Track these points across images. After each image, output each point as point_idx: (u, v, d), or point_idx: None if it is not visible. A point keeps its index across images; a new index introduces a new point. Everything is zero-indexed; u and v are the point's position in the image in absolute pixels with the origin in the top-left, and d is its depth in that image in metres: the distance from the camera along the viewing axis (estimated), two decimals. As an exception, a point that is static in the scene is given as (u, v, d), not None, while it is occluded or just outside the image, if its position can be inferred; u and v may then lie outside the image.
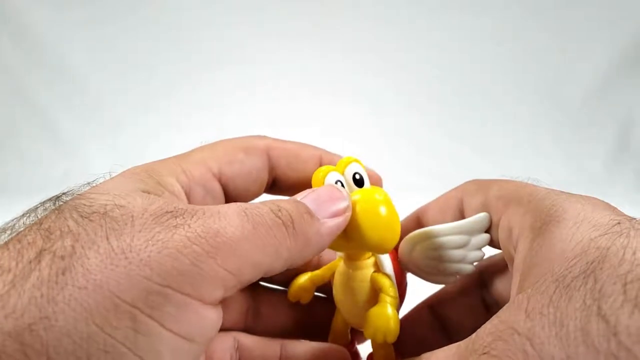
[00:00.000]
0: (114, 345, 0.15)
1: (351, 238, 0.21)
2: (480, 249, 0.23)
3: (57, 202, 0.18)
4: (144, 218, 0.17)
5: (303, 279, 0.27)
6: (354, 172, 0.23)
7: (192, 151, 0.23)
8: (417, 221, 0.26)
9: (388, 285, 0.23)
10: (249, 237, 0.18)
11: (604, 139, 0.78)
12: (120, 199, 0.17)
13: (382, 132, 0.75)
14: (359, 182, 0.23)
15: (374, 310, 0.22)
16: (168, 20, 0.79)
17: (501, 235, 0.23)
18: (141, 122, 0.73)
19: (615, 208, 0.21)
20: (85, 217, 0.17)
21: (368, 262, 0.24)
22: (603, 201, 0.21)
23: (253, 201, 0.25)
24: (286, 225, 0.19)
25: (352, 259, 0.24)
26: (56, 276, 0.15)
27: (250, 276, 0.18)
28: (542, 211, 0.21)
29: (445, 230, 0.23)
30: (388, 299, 0.23)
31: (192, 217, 0.17)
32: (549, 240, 0.20)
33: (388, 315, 0.22)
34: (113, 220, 0.17)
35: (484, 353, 0.18)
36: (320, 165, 0.25)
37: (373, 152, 0.70)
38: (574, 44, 0.77)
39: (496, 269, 0.26)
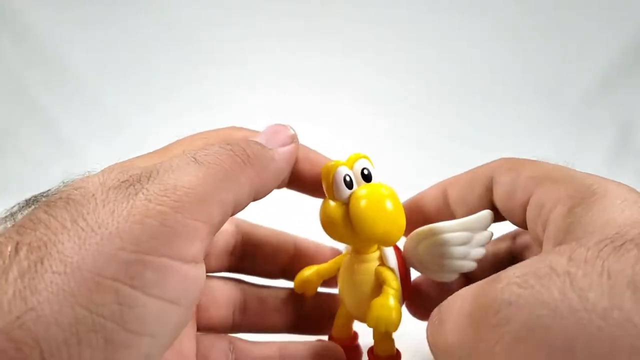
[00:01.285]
0: (102, 323, 0.15)
1: (358, 230, 0.22)
2: (482, 246, 0.24)
3: (30, 200, 0.18)
4: (103, 193, 0.17)
5: (309, 272, 0.27)
6: (362, 167, 0.23)
7: (171, 145, 0.23)
8: (443, 194, 0.26)
9: (391, 278, 0.24)
10: (207, 178, 0.18)
11: (604, 139, 0.78)
12: (80, 183, 0.18)
13: (382, 132, 0.75)
14: (367, 178, 0.23)
15: (377, 301, 0.23)
16: (168, 20, 0.79)
17: (530, 214, 0.22)
18: (141, 122, 0.73)
19: None
20: (52, 205, 0.17)
21: (373, 255, 0.25)
22: (633, 188, 0.20)
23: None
24: (239, 155, 0.20)
25: (358, 252, 0.25)
26: (35, 266, 0.15)
27: (220, 217, 0.18)
28: (581, 187, 0.20)
29: (450, 227, 0.24)
30: (391, 291, 0.23)
31: (148, 179, 0.17)
32: (595, 210, 0.19)
33: (390, 306, 0.23)
34: (76, 202, 0.17)
35: (516, 284, 0.16)
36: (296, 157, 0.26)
37: (373, 151, 0.70)
38: (574, 45, 0.77)
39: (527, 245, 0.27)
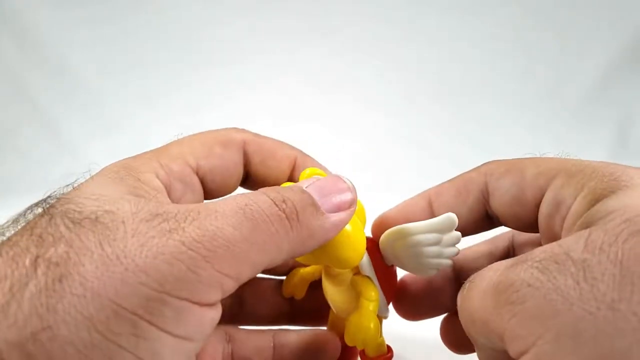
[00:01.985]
0: (117, 351, 0.15)
1: (314, 254, 0.21)
2: (453, 245, 0.24)
3: (45, 206, 0.18)
4: (134, 223, 0.17)
5: (296, 277, 0.27)
6: None
7: (169, 145, 0.22)
8: (428, 205, 0.25)
9: (368, 289, 0.23)
10: (248, 237, 0.17)
11: (604, 137, 0.78)
12: (108, 205, 0.17)
13: (382, 131, 0.75)
14: None
15: (353, 319, 0.22)
16: (169, 20, 0.79)
17: (545, 212, 0.21)
18: (141, 122, 0.73)
19: None
20: (77, 223, 0.16)
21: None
22: None
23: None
24: (290, 219, 0.18)
25: (329, 272, 0.24)
26: (53, 284, 0.15)
27: (249, 275, 0.18)
28: (603, 177, 0.19)
29: (417, 229, 0.23)
30: (368, 304, 0.23)
31: (186, 219, 0.17)
32: (620, 198, 0.18)
33: (366, 325, 0.22)
34: (104, 226, 0.16)
35: (535, 268, 0.17)
36: (294, 166, 0.25)
37: (374, 150, 0.70)
38: (574, 43, 0.78)
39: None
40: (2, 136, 0.72)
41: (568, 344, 0.15)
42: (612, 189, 0.19)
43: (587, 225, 0.18)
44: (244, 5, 0.79)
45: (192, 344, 0.17)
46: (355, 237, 0.22)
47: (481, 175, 0.24)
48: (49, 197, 0.19)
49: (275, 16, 0.79)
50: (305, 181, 0.20)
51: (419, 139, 0.75)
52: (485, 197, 0.24)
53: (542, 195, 0.21)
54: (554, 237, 0.21)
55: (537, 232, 0.22)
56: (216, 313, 0.18)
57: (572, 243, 0.17)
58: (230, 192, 0.24)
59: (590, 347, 0.15)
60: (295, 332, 0.27)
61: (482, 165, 0.24)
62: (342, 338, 0.27)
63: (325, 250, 0.21)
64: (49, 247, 0.16)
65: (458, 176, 0.25)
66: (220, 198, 0.19)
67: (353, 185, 0.21)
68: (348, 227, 0.21)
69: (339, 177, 0.21)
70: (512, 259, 0.19)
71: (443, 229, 0.23)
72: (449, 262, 0.24)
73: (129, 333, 0.15)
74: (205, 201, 0.18)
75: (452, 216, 0.23)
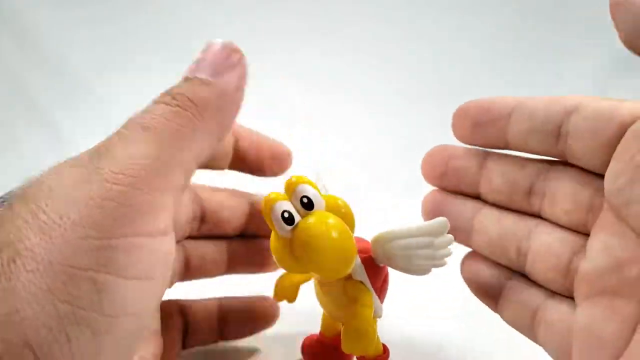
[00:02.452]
0: (84, 316, 0.15)
1: (303, 265, 0.21)
2: (446, 247, 0.23)
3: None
4: (56, 180, 0.16)
5: (286, 281, 0.27)
6: (301, 195, 0.21)
7: None
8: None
9: (362, 295, 0.23)
10: (160, 145, 0.17)
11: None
12: (31, 179, 0.17)
13: (381, 131, 0.75)
14: (308, 206, 0.22)
15: (350, 328, 0.22)
16: (169, 20, 0.79)
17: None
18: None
19: None
20: (10, 204, 0.16)
21: None
22: None
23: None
24: (186, 108, 0.18)
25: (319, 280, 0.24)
26: (9, 266, 0.15)
27: (184, 178, 0.18)
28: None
29: (407, 233, 0.23)
30: (363, 310, 0.22)
31: (99, 157, 0.17)
32: None
33: (364, 333, 0.22)
34: (31, 196, 0.16)
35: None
36: (237, 137, 0.26)
37: (372, 150, 0.70)
38: (567, 46, 0.78)
39: None
40: (2, 135, 0.72)
41: None
42: None
43: None
44: (243, 6, 0.79)
45: (154, 282, 0.17)
46: (343, 246, 0.21)
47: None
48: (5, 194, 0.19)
49: (275, 16, 0.79)
50: (189, 67, 0.20)
51: (418, 139, 0.75)
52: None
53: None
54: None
55: None
56: (170, 242, 0.17)
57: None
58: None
59: None
60: (239, 300, 0.29)
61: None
62: (335, 344, 0.26)
63: (313, 262, 0.21)
64: None
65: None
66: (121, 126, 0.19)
67: (234, 43, 0.21)
68: (334, 235, 0.21)
69: (215, 42, 0.21)
70: None
71: (435, 233, 0.23)
72: (444, 262, 0.24)
73: (91, 291, 0.15)
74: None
75: (444, 221, 0.22)
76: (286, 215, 0.21)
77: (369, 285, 0.24)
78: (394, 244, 0.23)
